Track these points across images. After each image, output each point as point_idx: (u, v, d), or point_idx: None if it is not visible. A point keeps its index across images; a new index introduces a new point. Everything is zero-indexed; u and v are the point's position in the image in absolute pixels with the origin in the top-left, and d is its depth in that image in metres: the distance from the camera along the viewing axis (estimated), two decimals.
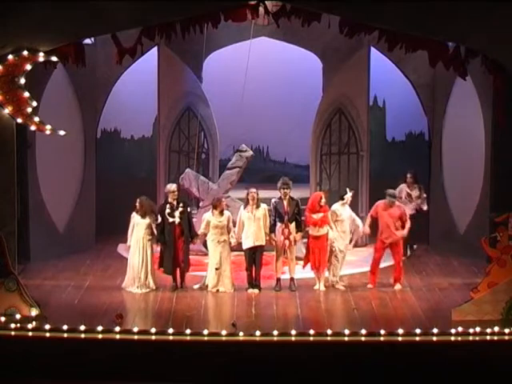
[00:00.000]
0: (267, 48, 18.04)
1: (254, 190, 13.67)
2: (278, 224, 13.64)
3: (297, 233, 13.68)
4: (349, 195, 13.81)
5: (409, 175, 16.08)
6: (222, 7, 12.84)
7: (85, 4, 11.75)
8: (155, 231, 13.65)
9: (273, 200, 13.81)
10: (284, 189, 13.61)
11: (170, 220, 13.58)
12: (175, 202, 13.67)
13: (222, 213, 13.58)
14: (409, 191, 15.99)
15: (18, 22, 11.73)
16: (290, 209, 13.60)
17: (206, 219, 13.63)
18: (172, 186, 13.88)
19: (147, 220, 13.64)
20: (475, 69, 13.42)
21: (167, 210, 13.61)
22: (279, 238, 13.62)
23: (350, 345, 10.95)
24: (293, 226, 13.62)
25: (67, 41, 12.57)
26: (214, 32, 14.17)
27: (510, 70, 12.48)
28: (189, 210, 13.88)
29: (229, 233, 13.61)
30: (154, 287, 13.62)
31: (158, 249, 13.96)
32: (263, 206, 13.64)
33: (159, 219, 13.64)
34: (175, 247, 13.62)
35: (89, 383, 10.73)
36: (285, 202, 13.63)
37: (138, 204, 13.66)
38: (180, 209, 13.62)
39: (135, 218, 13.70)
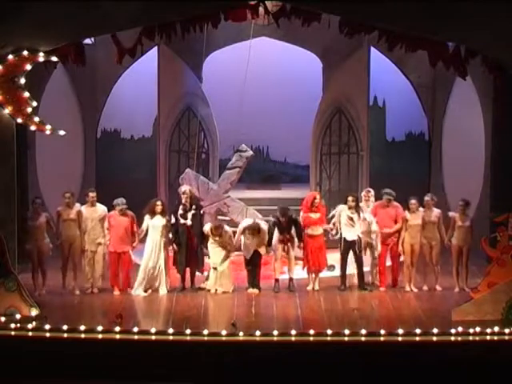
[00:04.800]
0: (267, 48, 18.05)
1: (255, 222, 13.60)
2: (277, 234, 13.64)
3: (295, 242, 13.69)
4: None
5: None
6: (222, 7, 12.85)
7: (85, 4, 11.75)
8: (170, 234, 13.55)
9: (271, 218, 13.80)
10: (283, 218, 13.56)
11: (182, 222, 13.56)
12: (188, 204, 13.65)
13: (221, 235, 13.56)
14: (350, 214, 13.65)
15: (18, 22, 11.73)
16: (289, 228, 13.62)
17: (206, 232, 13.62)
18: (186, 188, 13.87)
19: (163, 221, 13.48)
20: (475, 69, 13.43)
21: (180, 212, 13.59)
22: (276, 244, 13.61)
23: (350, 345, 10.95)
24: (293, 231, 13.65)
25: (67, 41, 12.58)
26: (214, 32, 14.19)
27: (510, 69, 12.48)
28: (201, 212, 13.85)
29: (230, 251, 13.61)
30: (168, 289, 13.51)
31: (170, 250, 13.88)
32: (262, 227, 13.59)
33: (173, 220, 13.58)
34: (187, 248, 13.58)
35: (89, 383, 10.73)
36: (284, 223, 13.59)
37: (159, 205, 13.50)
38: (193, 211, 13.60)
39: (149, 221, 13.51)
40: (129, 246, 13.52)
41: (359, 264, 13.63)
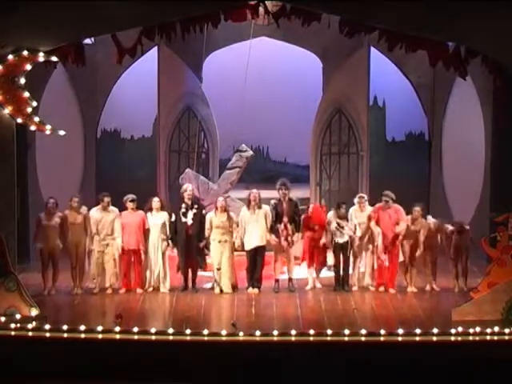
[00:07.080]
0: (267, 48, 18.07)
1: (255, 190, 13.65)
2: (278, 225, 13.61)
3: (294, 234, 13.66)
4: None
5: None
6: (222, 7, 12.85)
7: (85, 4, 11.74)
8: (168, 231, 13.60)
9: (272, 201, 13.78)
10: (283, 190, 13.60)
11: (183, 220, 13.57)
12: (190, 203, 13.64)
13: (224, 212, 13.56)
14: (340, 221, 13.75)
15: (18, 22, 11.72)
16: (289, 210, 13.58)
17: (209, 219, 13.63)
18: (188, 186, 13.83)
19: (162, 220, 13.57)
20: (475, 69, 13.43)
21: (182, 210, 13.59)
22: (280, 239, 13.60)
23: (349, 345, 10.95)
24: (292, 227, 13.62)
25: (67, 41, 12.57)
26: (214, 32, 14.18)
27: (510, 69, 12.48)
28: (203, 212, 13.80)
29: (233, 234, 13.61)
30: (168, 288, 13.59)
31: (174, 250, 13.89)
32: (265, 207, 13.62)
33: (173, 217, 13.58)
34: (187, 248, 13.59)
35: (89, 383, 10.73)
36: (284, 204, 13.61)
37: (157, 201, 13.57)
38: (194, 210, 13.60)
39: (149, 218, 13.61)
40: (140, 244, 13.57)
41: (346, 266, 13.71)
